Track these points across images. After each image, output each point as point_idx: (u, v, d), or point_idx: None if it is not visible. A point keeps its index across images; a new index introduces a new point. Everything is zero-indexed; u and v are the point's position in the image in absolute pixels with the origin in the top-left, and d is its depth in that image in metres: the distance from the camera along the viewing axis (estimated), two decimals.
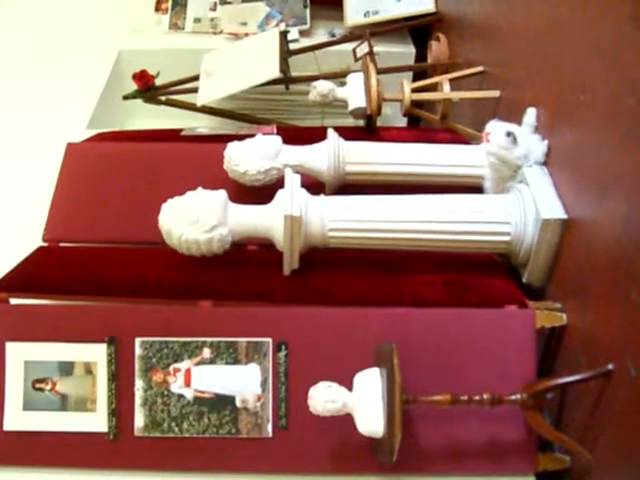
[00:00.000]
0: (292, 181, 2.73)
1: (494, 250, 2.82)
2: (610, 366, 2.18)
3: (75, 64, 4.81)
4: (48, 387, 2.60)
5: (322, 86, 3.65)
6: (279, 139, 3.03)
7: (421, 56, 4.88)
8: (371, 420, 2.23)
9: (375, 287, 2.76)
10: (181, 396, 2.56)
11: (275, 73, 3.97)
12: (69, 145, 3.47)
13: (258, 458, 2.54)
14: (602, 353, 2.26)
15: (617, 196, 2.18)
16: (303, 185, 2.76)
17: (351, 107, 3.62)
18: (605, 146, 2.27)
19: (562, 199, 2.60)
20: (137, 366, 2.57)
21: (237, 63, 4.24)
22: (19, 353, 2.60)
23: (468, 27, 4.03)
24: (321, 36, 5.13)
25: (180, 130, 3.78)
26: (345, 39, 4.69)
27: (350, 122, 3.96)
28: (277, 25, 4.85)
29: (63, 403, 2.59)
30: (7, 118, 4.31)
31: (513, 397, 2.32)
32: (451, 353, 2.53)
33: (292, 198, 2.64)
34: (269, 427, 2.53)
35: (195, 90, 4.15)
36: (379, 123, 3.61)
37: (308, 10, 5.16)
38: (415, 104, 3.62)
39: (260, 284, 2.77)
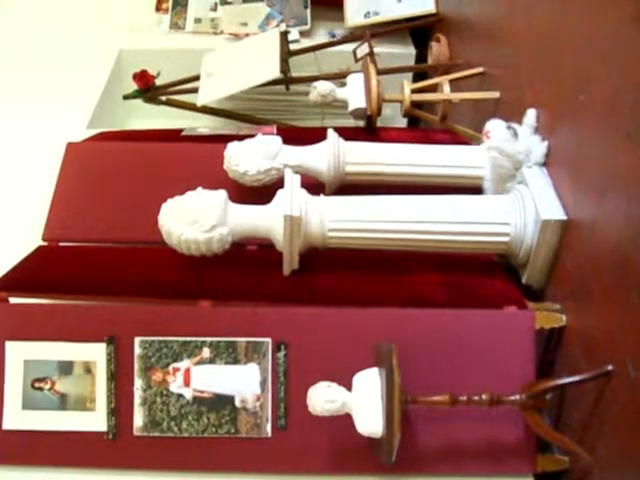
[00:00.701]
0: (292, 181, 2.73)
1: (493, 251, 2.82)
2: (609, 367, 2.19)
3: (76, 64, 4.81)
4: (47, 386, 2.60)
5: (322, 87, 3.65)
6: (279, 139, 3.03)
7: (421, 57, 4.89)
8: (370, 420, 2.23)
9: (374, 287, 2.76)
10: (180, 396, 2.56)
11: (275, 73, 3.97)
12: (69, 145, 3.46)
13: (257, 458, 2.54)
14: (601, 354, 2.26)
15: (617, 197, 2.18)
16: (303, 185, 2.76)
17: (351, 108, 3.62)
18: (605, 147, 2.27)
19: (562, 200, 2.60)
20: (136, 365, 2.57)
21: (237, 63, 4.25)
22: (18, 352, 2.60)
23: (468, 28, 4.04)
24: (321, 37, 5.13)
25: (180, 130, 3.78)
26: (345, 40, 4.69)
27: (350, 123, 3.97)
28: (278, 25, 4.84)
29: (62, 402, 2.59)
30: (8, 117, 4.31)
31: (512, 398, 2.32)
32: (450, 354, 2.53)
33: (292, 198, 2.64)
34: (268, 427, 2.54)
35: (195, 90, 4.15)
36: (379, 124, 3.62)
37: (309, 11, 5.16)
38: (415, 105, 3.62)
39: (260, 284, 2.77)
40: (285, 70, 4.07)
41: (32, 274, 2.91)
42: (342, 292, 2.74)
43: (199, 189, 2.72)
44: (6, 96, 4.51)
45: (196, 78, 4.23)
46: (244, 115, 4.49)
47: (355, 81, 3.69)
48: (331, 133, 3.09)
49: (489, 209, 2.74)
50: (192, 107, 4.22)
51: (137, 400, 2.56)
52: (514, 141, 2.80)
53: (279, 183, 2.80)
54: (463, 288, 2.75)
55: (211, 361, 2.56)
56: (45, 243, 3.14)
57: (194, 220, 2.61)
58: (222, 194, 2.69)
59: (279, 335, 2.56)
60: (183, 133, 3.74)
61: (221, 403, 2.55)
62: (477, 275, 2.82)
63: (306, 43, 4.82)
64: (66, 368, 2.60)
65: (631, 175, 2.09)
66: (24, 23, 5.23)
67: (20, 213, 3.53)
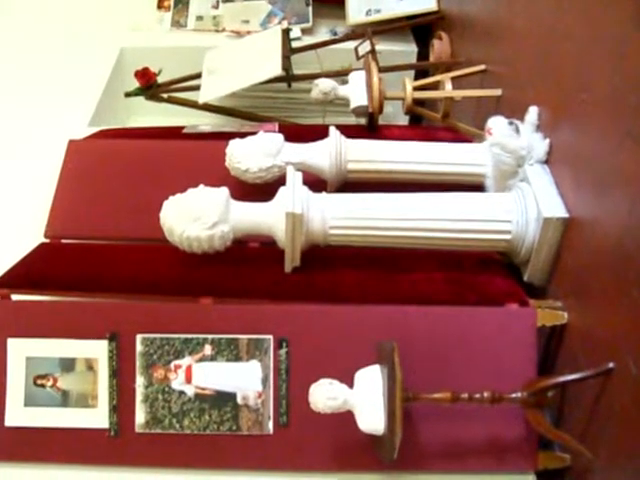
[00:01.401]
0: (294, 179, 2.73)
1: (495, 248, 2.82)
2: (611, 364, 2.19)
3: (77, 61, 4.81)
4: (49, 383, 2.60)
5: (324, 84, 3.65)
6: (281, 137, 3.03)
7: (423, 55, 4.89)
8: (372, 417, 2.24)
9: (376, 285, 2.76)
10: (182, 393, 2.56)
11: (277, 71, 3.97)
12: (71, 142, 3.47)
13: (259, 455, 2.54)
14: (603, 351, 2.26)
15: (619, 194, 2.18)
16: (305, 183, 2.76)
17: (353, 105, 3.62)
18: (607, 145, 2.27)
19: (564, 198, 2.60)
20: (138, 363, 2.58)
21: (239, 61, 4.24)
22: (21, 349, 2.61)
23: (470, 26, 4.03)
24: (323, 34, 5.14)
25: (182, 127, 3.78)
26: (347, 37, 4.69)
27: (352, 120, 3.97)
28: (279, 23, 4.84)
29: (64, 399, 2.60)
30: (10, 115, 4.31)
31: (513, 395, 2.32)
32: (452, 351, 2.54)
33: (294, 196, 2.64)
34: (270, 424, 2.54)
35: (197, 88, 4.15)
36: (381, 121, 3.61)
37: (310, 8, 5.16)
38: (417, 102, 3.62)
39: (261, 281, 2.77)
40: (287, 68, 4.07)
41: (34, 271, 2.91)
42: (344, 289, 2.74)
43: (201, 186, 2.72)
44: (8, 94, 4.51)
45: (198, 76, 4.23)
46: (246, 112, 4.49)
47: (357, 79, 3.69)
48: (333, 131, 3.09)
49: (491, 207, 2.74)
50: (194, 105, 4.22)
51: (139, 397, 2.57)
52: (516, 137, 2.80)
53: (281, 180, 2.80)
54: (465, 285, 2.75)
55: (213, 358, 2.57)
56: (47, 240, 3.15)
57: (196, 217, 2.61)
58: (224, 191, 2.69)
59: (281, 332, 2.56)
60: (185, 131, 3.74)
61: (223, 400, 2.55)
62: (479, 272, 2.82)
63: (308, 41, 4.81)
64: (68, 365, 2.60)
65: (633, 173, 2.09)
66: (26, 21, 5.22)
67: (22, 210, 3.53)
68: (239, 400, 2.55)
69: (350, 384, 2.29)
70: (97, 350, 2.59)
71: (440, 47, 4.39)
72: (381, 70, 3.64)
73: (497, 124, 2.88)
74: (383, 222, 2.70)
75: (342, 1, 4.99)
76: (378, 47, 3.97)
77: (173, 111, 4.42)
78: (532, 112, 2.85)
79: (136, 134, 3.79)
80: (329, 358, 2.52)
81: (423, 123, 4.71)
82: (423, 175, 3.05)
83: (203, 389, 2.56)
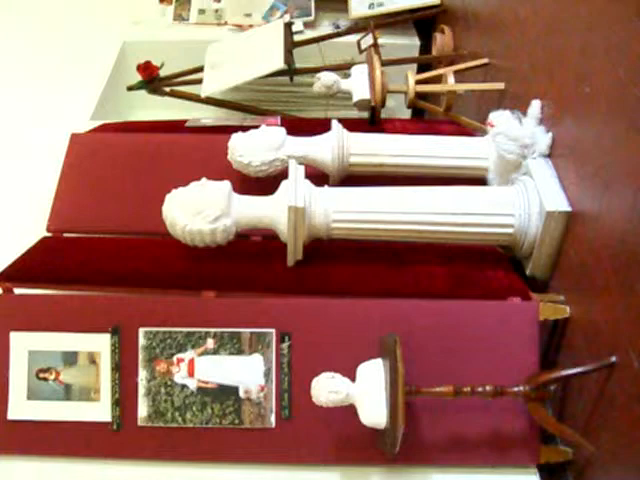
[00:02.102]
0: (296, 172, 2.73)
1: (498, 242, 2.82)
2: (613, 358, 2.19)
3: (80, 55, 4.81)
4: (52, 377, 2.60)
5: (326, 78, 3.65)
6: (283, 130, 3.03)
7: (426, 48, 4.88)
8: (374, 411, 2.24)
9: (379, 278, 2.76)
10: (184, 386, 2.56)
11: (280, 65, 3.97)
12: (73, 135, 3.47)
13: (261, 448, 2.54)
14: (605, 345, 2.26)
15: (622, 188, 2.18)
16: (307, 176, 2.76)
17: (355, 99, 3.62)
18: (610, 138, 2.26)
19: (566, 191, 2.60)
20: (141, 356, 2.58)
21: (241, 54, 4.24)
22: (23, 343, 2.61)
23: (473, 19, 4.02)
24: (326, 28, 5.13)
25: (184, 121, 3.78)
26: (349, 31, 4.68)
27: (354, 114, 3.97)
28: (282, 16, 4.85)
29: (67, 393, 2.60)
30: (12, 108, 4.31)
31: (516, 389, 2.32)
32: (454, 345, 2.54)
33: (296, 189, 2.64)
34: (272, 417, 2.54)
35: (199, 81, 4.15)
36: (383, 115, 3.61)
37: (313, 2, 5.14)
38: (419, 96, 3.61)
39: (264, 275, 2.77)
40: (289, 61, 4.07)
41: (36, 265, 2.91)
42: (346, 283, 2.74)
43: (203, 180, 2.72)
44: (11, 87, 4.52)
45: (200, 69, 4.23)
46: (248, 106, 4.48)
47: (359, 72, 3.68)
48: (335, 124, 3.09)
49: (493, 200, 2.74)
50: (196, 98, 4.22)
51: (141, 391, 2.57)
52: (519, 125, 2.79)
53: (283, 174, 2.80)
54: (467, 279, 2.75)
55: (215, 352, 2.57)
56: (49, 234, 3.15)
57: (198, 211, 2.61)
58: (226, 185, 2.69)
59: (283, 326, 2.56)
60: (187, 124, 3.74)
61: (225, 393, 2.55)
62: (481, 266, 2.82)
63: (310, 34, 4.81)
64: (71, 359, 2.61)
65: (636, 166, 2.09)
66: (29, 14, 5.22)
67: (24, 204, 3.54)
68: (241, 394, 2.55)
69: (352, 378, 2.29)
70: (99, 344, 2.59)
71: (442, 40, 4.38)
72: (383, 63, 3.63)
73: (499, 116, 2.89)
74: (385, 216, 2.70)
75: None
76: (380, 40, 3.96)
77: (175, 105, 4.42)
78: (535, 105, 2.85)
79: (138, 128, 3.79)
80: (331, 352, 2.53)
81: (425, 117, 4.71)
82: (425, 169, 3.05)
83: (205, 383, 2.56)
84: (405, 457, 2.41)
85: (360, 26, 4.60)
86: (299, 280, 2.74)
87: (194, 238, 2.65)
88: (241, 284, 2.75)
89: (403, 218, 2.69)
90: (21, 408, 2.60)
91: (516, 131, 2.79)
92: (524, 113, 2.89)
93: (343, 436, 2.51)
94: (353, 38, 4.27)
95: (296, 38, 4.39)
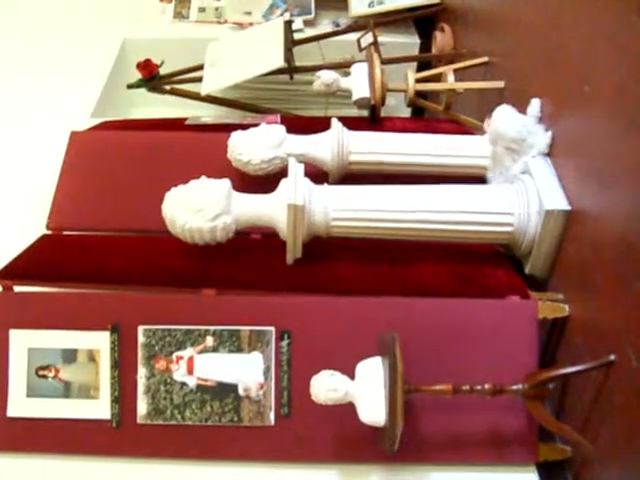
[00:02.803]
0: (296, 170, 2.73)
1: (497, 241, 2.82)
2: (612, 357, 2.19)
3: (80, 53, 4.82)
4: (51, 374, 2.61)
5: (326, 76, 3.65)
6: (283, 128, 3.03)
7: (425, 46, 4.88)
8: (373, 409, 2.24)
9: (378, 276, 2.76)
10: (184, 384, 2.57)
11: (279, 63, 3.97)
12: (73, 133, 3.46)
13: (260, 446, 2.54)
14: (604, 344, 2.26)
15: (621, 187, 2.18)
16: (307, 174, 2.76)
17: (355, 97, 3.62)
18: (610, 137, 2.26)
19: (566, 190, 2.60)
20: (140, 354, 2.58)
21: (241, 52, 4.24)
22: (23, 340, 2.61)
23: (473, 18, 4.02)
24: (325, 26, 5.13)
25: (184, 119, 3.78)
26: (349, 29, 4.68)
27: (354, 112, 3.96)
28: (281, 15, 4.84)
29: (66, 390, 2.60)
30: (12, 106, 4.31)
31: (515, 387, 2.33)
32: (453, 343, 2.54)
33: (296, 187, 2.64)
34: (271, 415, 2.54)
35: (199, 79, 4.15)
36: (383, 113, 3.61)
37: (312, 0, 5.14)
38: (419, 94, 3.62)
39: (263, 273, 2.78)
40: (289, 59, 4.06)
41: (36, 263, 2.91)
42: (345, 281, 2.74)
43: (203, 178, 2.72)
44: (11, 85, 4.51)
45: (200, 67, 4.23)
46: (248, 104, 4.48)
47: (359, 70, 3.68)
48: (335, 122, 3.09)
49: (493, 199, 2.74)
50: (196, 96, 4.22)
51: (141, 388, 2.57)
52: (517, 117, 2.80)
53: (283, 172, 2.80)
54: (466, 278, 2.75)
55: (214, 350, 2.57)
56: (49, 232, 3.15)
57: (198, 209, 2.61)
58: (226, 183, 2.69)
59: (282, 324, 2.57)
60: (187, 122, 3.74)
61: (224, 391, 2.56)
62: (480, 265, 2.82)
63: (310, 32, 4.80)
64: (70, 356, 2.61)
65: (636, 165, 2.09)
66: (29, 12, 5.22)
67: (24, 202, 3.54)
68: (241, 391, 2.55)
69: (351, 376, 2.29)
70: (99, 341, 2.60)
71: (442, 39, 4.38)
72: (383, 62, 3.63)
73: (496, 114, 2.89)
74: (384, 214, 2.70)
75: None
76: (380, 39, 3.96)
77: (175, 103, 4.42)
78: (534, 104, 2.85)
79: (138, 126, 3.79)
80: (331, 350, 2.53)
81: (425, 115, 4.71)
82: (425, 167, 3.05)
83: (205, 380, 2.57)
84: (404, 455, 2.41)
85: (360, 24, 4.59)
86: (298, 278, 2.74)
87: (194, 236, 2.65)
88: (241, 282, 2.75)
89: (402, 216, 2.69)
90: (21, 405, 2.60)
91: (514, 121, 2.79)
92: (524, 112, 2.89)
93: (342, 434, 2.51)
94: (353, 36, 4.27)
95: (296, 36, 4.39)
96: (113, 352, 2.59)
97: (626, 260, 2.14)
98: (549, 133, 2.74)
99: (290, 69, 4.12)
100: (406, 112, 4.60)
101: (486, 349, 2.54)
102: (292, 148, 2.98)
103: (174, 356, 2.57)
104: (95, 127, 3.77)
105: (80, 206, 3.19)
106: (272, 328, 2.56)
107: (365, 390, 2.26)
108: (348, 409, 2.28)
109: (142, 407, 2.57)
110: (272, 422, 2.54)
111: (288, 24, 4.29)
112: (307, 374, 2.31)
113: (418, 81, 3.60)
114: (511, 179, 2.86)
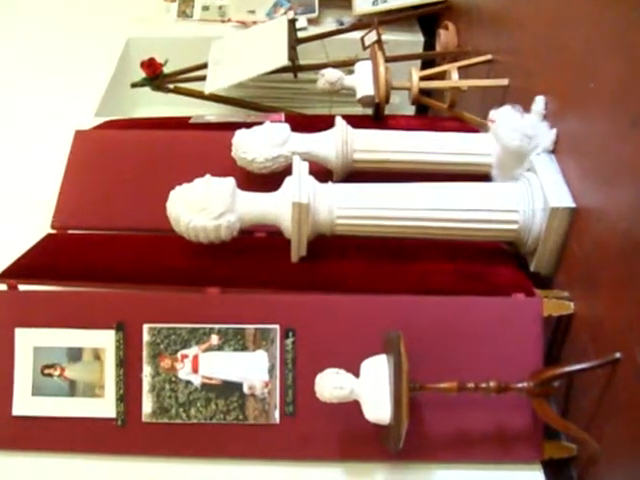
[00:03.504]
0: (300, 168, 2.73)
1: (502, 238, 2.81)
2: (617, 354, 2.19)
3: (84, 52, 4.82)
4: (57, 373, 2.61)
5: (330, 74, 3.65)
6: (287, 127, 3.03)
7: (429, 44, 4.87)
8: (378, 407, 2.24)
9: (383, 274, 2.76)
10: (189, 382, 2.57)
11: (283, 61, 3.97)
12: (77, 132, 3.47)
13: (265, 444, 2.54)
14: (609, 341, 2.26)
15: (626, 184, 2.18)
16: (311, 173, 2.75)
17: (359, 95, 3.61)
18: (614, 134, 2.26)
19: (570, 187, 2.59)
20: (145, 352, 2.58)
21: (245, 51, 4.24)
22: (28, 339, 2.62)
23: (477, 15, 4.02)
24: (329, 24, 5.13)
25: (188, 118, 3.78)
26: (353, 27, 4.68)
27: (358, 110, 3.96)
28: (285, 13, 4.84)
29: (71, 389, 2.61)
30: (17, 106, 4.32)
31: (520, 385, 2.32)
32: (458, 341, 2.53)
33: (300, 185, 2.64)
34: (276, 414, 2.54)
35: (203, 78, 4.15)
36: (387, 111, 3.61)
37: None
38: (423, 92, 3.61)
39: (268, 271, 2.78)
40: (293, 58, 4.06)
41: (41, 261, 2.92)
42: (350, 279, 2.74)
43: (207, 176, 2.72)
44: (16, 84, 4.52)
45: (204, 66, 4.23)
46: (252, 103, 4.48)
47: (363, 69, 3.68)
48: (339, 120, 3.08)
49: (497, 197, 2.73)
50: (200, 95, 4.22)
51: (146, 387, 2.58)
52: (521, 116, 2.80)
53: (287, 171, 2.80)
54: (471, 275, 2.75)
55: (219, 348, 2.57)
56: (54, 231, 3.16)
57: (202, 207, 2.61)
58: (230, 181, 2.69)
59: (287, 322, 2.57)
60: (191, 121, 3.74)
61: (229, 390, 2.56)
62: (485, 262, 2.82)
63: (314, 31, 4.80)
64: (75, 355, 2.61)
65: None
66: (33, 12, 5.23)
67: (29, 201, 3.54)
68: (245, 390, 2.55)
69: (356, 374, 2.29)
70: (104, 340, 2.60)
71: (446, 37, 4.38)
72: (387, 60, 3.63)
73: (499, 110, 2.89)
74: (389, 212, 2.70)
75: None
76: (384, 37, 3.95)
77: (179, 101, 4.42)
78: (539, 101, 2.85)
79: (142, 124, 3.80)
80: (335, 348, 2.53)
81: (429, 113, 4.70)
82: (429, 165, 3.05)
83: (210, 379, 2.57)
84: (409, 453, 2.41)
85: (364, 22, 4.60)
86: (303, 276, 2.74)
87: (198, 234, 2.65)
88: (245, 280, 2.75)
89: (407, 214, 2.69)
90: (26, 404, 2.60)
91: (517, 121, 2.79)
92: (528, 109, 2.88)
93: (347, 432, 2.51)
94: (357, 35, 4.26)
95: (300, 35, 4.38)
96: (118, 351, 2.59)
97: (631, 257, 2.13)
98: (554, 130, 2.73)
99: (294, 67, 4.12)
100: (410, 110, 4.60)
101: (491, 347, 2.53)
102: (296, 146, 2.98)
103: (179, 354, 2.57)
104: (99, 126, 3.77)
105: (85, 205, 3.20)
106: (277, 326, 2.57)
107: (370, 388, 2.25)
108: (353, 407, 2.28)
109: (147, 405, 2.57)
110: (277, 420, 2.54)
111: (292, 22, 4.29)
112: (312, 372, 2.31)
113: (422, 79, 3.60)
114: (516, 176, 2.85)
